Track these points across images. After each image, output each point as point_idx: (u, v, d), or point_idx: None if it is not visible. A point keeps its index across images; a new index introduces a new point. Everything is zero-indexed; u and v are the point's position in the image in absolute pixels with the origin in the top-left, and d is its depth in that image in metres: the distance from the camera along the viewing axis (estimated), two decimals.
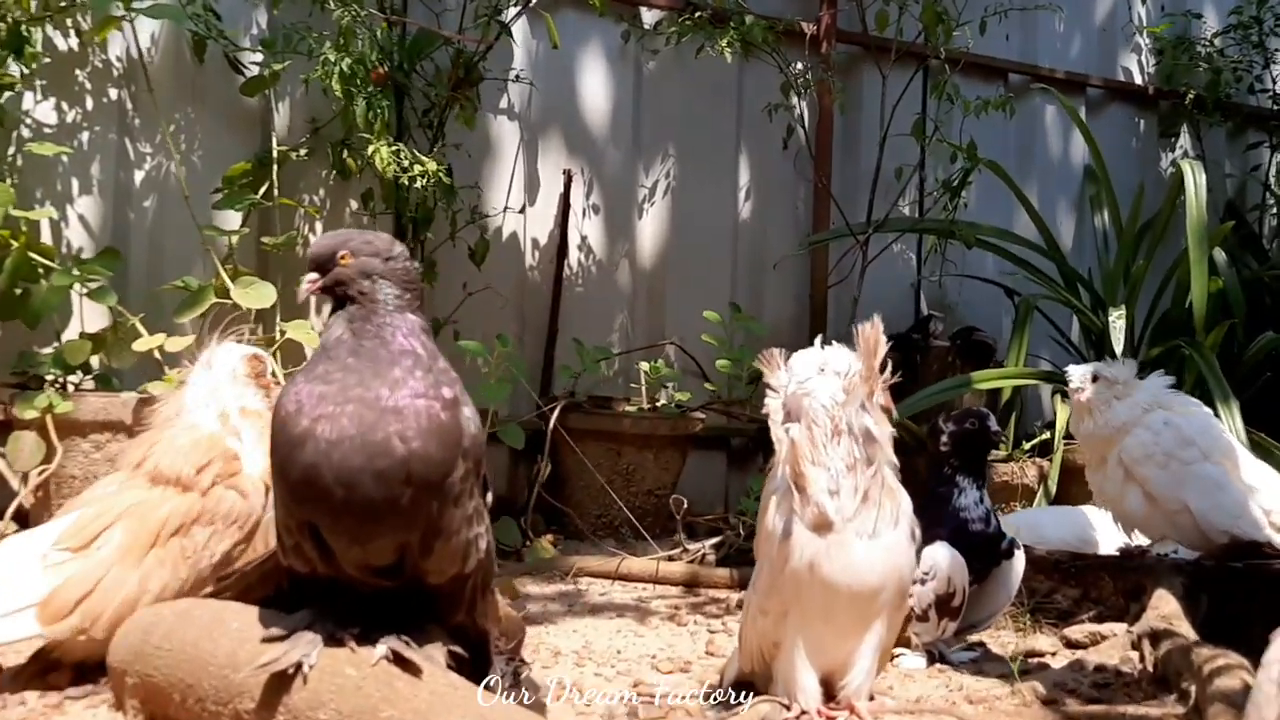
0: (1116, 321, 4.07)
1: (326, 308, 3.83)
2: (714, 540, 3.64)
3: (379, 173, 3.40)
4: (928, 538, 2.37)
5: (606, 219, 4.41)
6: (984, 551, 2.49)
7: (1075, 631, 2.59)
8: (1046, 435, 4.14)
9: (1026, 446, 4.08)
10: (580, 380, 3.96)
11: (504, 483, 3.98)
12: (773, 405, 1.91)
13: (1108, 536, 3.10)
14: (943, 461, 2.54)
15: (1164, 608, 2.40)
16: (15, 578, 1.98)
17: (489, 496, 1.68)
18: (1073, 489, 3.96)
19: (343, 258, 1.59)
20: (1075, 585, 2.81)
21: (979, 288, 4.95)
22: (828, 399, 1.85)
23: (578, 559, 3.45)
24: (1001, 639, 2.67)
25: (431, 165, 3.28)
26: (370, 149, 3.33)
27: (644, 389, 3.94)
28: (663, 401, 3.94)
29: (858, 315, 4.40)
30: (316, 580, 1.59)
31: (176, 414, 2.20)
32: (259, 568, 1.81)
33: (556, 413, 3.71)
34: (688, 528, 3.87)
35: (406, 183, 3.35)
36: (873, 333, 1.91)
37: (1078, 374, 2.87)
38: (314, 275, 1.62)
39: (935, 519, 2.44)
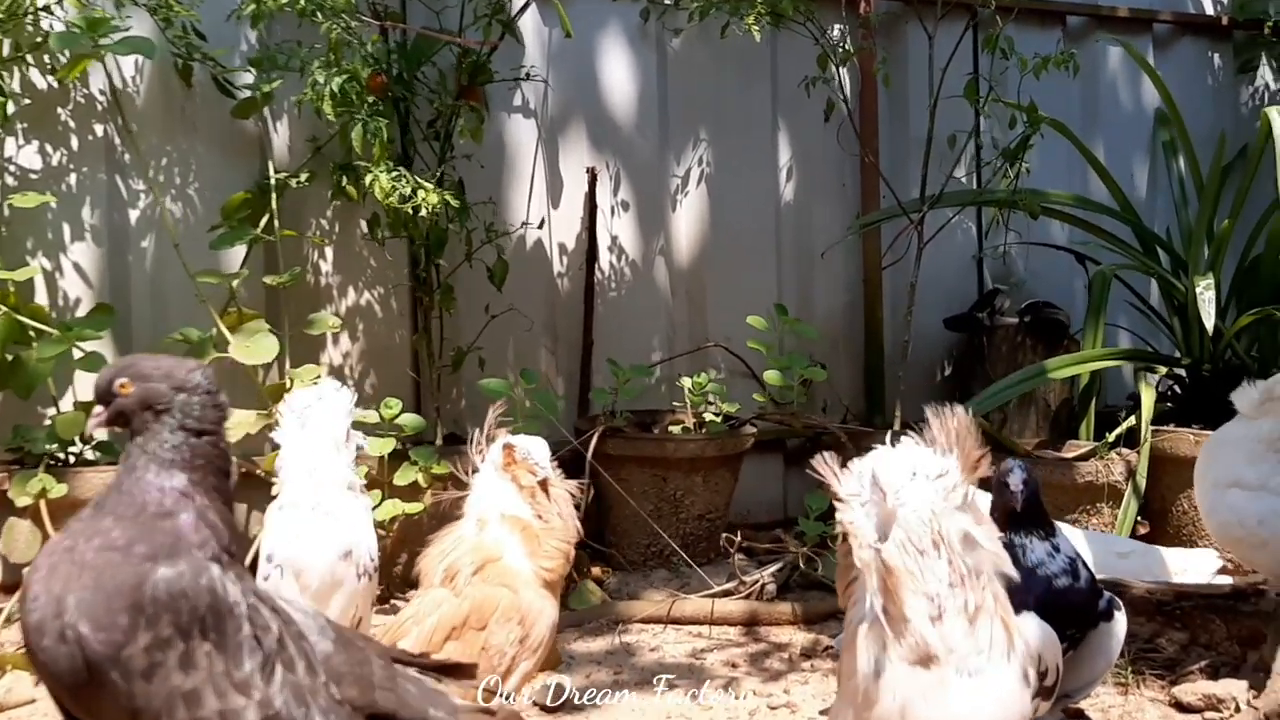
0: (1205, 292, 3.68)
1: (336, 349, 3.64)
2: (773, 568, 3.36)
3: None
4: (1013, 606, 2.08)
5: (638, 215, 4.09)
6: (1078, 615, 2.17)
7: (1186, 692, 2.28)
8: (1132, 421, 3.77)
9: (1110, 438, 3.71)
10: (621, 392, 3.67)
11: None
12: (856, 520, 1.56)
13: None
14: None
15: None
16: None
17: (270, 655, 1.36)
18: (1165, 480, 3.61)
19: (122, 386, 1.41)
20: (1181, 628, 2.50)
21: (1047, 256, 4.57)
22: (926, 510, 1.53)
23: (626, 604, 3.19)
24: (1101, 701, 2.37)
25: (434, 198, 2.98)
26: (369, 177, 3.04)
27: (689, 406, 3.64)
28: (709, 417, 3.64)
29: (916, 300, 4.05)
30: None
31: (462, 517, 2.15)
32: None
33: (594, 442, 3.43)
34: (745, 549, 3.61)
35: (410, 211, 3.06)
36: (956, 421, 1.59)
37: None
38: (98, 408, 1.44)
39: (1012, 585, 2.12)
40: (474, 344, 3.58)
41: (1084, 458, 3.63)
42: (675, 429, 3.68)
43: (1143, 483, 3.57)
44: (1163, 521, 3.67)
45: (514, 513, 2.04)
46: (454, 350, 3.55)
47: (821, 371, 3.77)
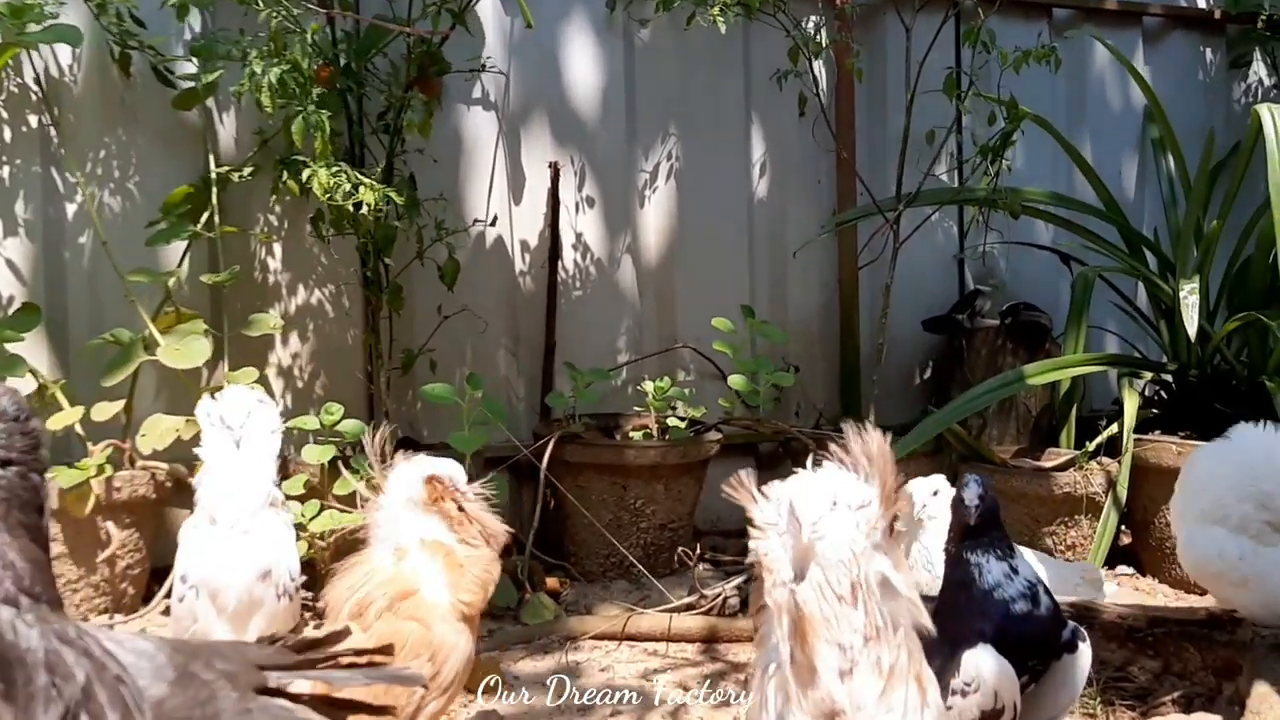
0: (1189, 297, 3.53)
1: (286, 349, 3.49)
2: (737, 580, 3.21)
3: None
4: (967, 636, 1.94)
5: (603, 212, 3.94)
6: (1039, 645, 2.02)
7: None
8: (1114, 429, 3.62)
9: (1090, 447, 3.56)
10: (581, 396, 3.51)
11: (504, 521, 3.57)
12: (770, 552, 1.40)
13: None
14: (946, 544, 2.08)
15: (1269, 714, 1.93)
16: None
17: (72, 706, 1.18)
18: (1147, 490, 3.46)
19: None
20: (1154, 656, 2.35)
21: (1032, 256, 4.42)
22: (847, 548, 1.37)
23: (579, 620, 3.04)
24: None
25: (370, 195, 2.83)
26: (306, 173, 2.89)
27: (652, 411, 3.49)
28: (673, 422, 3.50)
29: (892, 301, 3.90)
30: None
31: (368, 543, 2.00)
32: None
33: (550, 448, 3.28)
34: (711, 560, 3.48)
35: (351, 208, 2.91)
36: (878, 445, 1.43)
37: None
38: None
39: (968, 610, 1.97)
40: (425, 345, 3.43)
41: (1062, 468, 3.48)
42: (637, 435, 3.53)
43: (1123, 494, 3.42)
44: (1145, 534, 3.52)
45: (435, 537, 1.90)
46: (403, 352, 3.40)
47: (789, 376, 3.62)
